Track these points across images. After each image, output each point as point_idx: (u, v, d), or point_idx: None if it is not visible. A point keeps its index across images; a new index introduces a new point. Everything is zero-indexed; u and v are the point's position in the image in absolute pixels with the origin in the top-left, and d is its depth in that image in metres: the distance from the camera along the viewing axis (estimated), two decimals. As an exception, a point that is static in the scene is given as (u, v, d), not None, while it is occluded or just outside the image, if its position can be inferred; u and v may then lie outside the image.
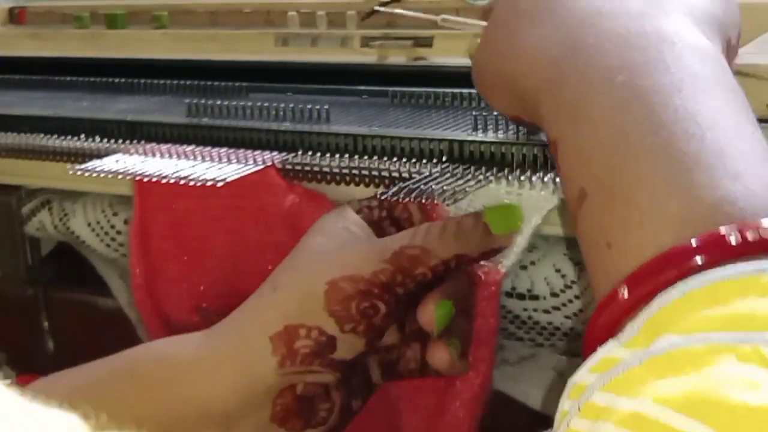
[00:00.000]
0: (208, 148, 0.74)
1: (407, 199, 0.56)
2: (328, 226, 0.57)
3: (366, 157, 0.69)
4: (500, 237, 0.56)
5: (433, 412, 0.61)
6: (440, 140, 0.68)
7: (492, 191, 0.61)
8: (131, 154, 0.75)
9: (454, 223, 0.55)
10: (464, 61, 0.88)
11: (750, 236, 0.31)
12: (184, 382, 0.52)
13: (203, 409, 0.51)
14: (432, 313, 0.55)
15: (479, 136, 0.68)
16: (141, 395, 0.53)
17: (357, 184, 0.67)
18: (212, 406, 0.51)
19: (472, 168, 0.64)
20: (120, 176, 0.71)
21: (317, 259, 0.54)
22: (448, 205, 0.60)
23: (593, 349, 0.35)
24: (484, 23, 0.58)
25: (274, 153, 0.71)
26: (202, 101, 0.80)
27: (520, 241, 0.59)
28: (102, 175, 0.71)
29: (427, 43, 0.88)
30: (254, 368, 0.51)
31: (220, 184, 0.67)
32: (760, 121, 0.57)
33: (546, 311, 0.64)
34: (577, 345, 0.65)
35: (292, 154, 0.71)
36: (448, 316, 0.56)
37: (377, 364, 0.56)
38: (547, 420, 0.70)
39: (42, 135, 0.82)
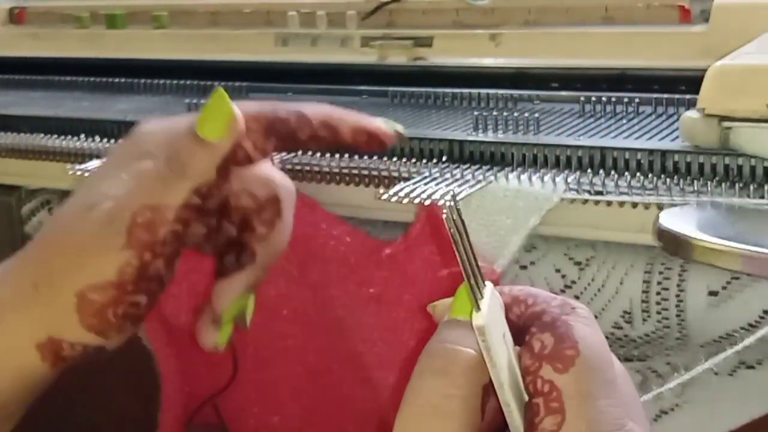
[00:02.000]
0: (208, 148, 0.73)
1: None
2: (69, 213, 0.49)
3: (365, 157, 0.69)
4: (218, 143, 0.48)
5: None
6: (440, 140, 0.68)
7: (492, 191, 0.61)
8: (131, 154, 0.74)
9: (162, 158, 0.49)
10: (464, 61, 0.88)
11: None
12: None
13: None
14: (227, 304, 0.53)
15: (479, 136, 0.68)
16: None
17: (357, 184, 0.67)
18: None
19: (472, 168, 0.64)
20: (120, 176, 0.71)
21: (63, 262, 0.47)
22: (447, 205, 0.60)
23: None
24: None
25: (274, 153, 0.71)
26: (202, 101, 0.80)
27: (516, 240, 0.59)
28: (102, 175, 0.71)
29: (426, 43, 0.88)
30: (25, 371, 0.46)
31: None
32: (760, 121, 0.57)
33: (546, 311, 0.64)
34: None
35: (292, 154, 0.71)
36: (242, 308, 0.53)
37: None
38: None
39: (42, 135, 0.82)
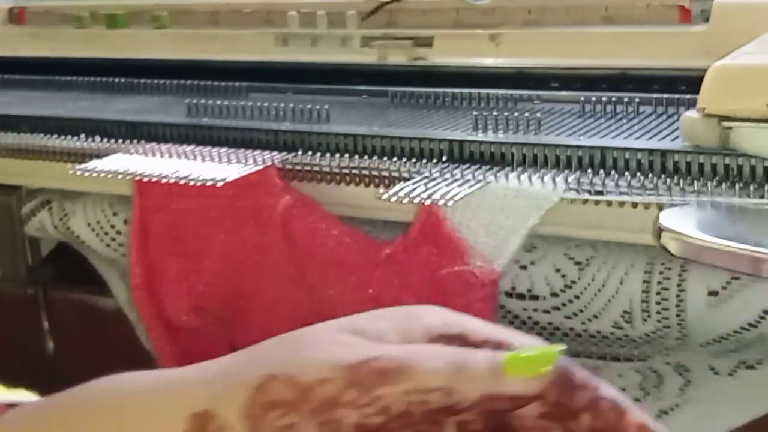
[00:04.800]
0: (208, 148, 0.74)
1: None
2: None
3: (366, 157, 0.69)
4: (513, 380, 0.37)
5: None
6: (440, 140, 0.68)
7: (492, 190, 0.61)
8: (131, 154, 0.75)
9: (460, 353, 0.38)
10: (464, 61, 0.88)
11: None
12: (107, 407, 0.43)
13: None
14: None
15: (479, 136, 0.68)
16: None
17: (357, 184, 0.67)
18: None
19: (472, 168, 0.64)
20: (120, 176, 0.71)
21: (276, 344, 0.41)
22: (447, 205, 0.60)
23: None
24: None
25: (274, 153, 0.71)
26: (202, 101, 0.80)
27: (515, 240, 0.59)
28: (102, 175, 0.71)
29: (427, 43, 0.88)
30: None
31: (220, 184, 0.67)
32: (761, 121, 0.57)
33: (546, 311, 0.64)
34: (577, 345, 0.65)
35: (292, 154, 0.71)
36: None
37: None
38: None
39: (42, 135, 0.82)
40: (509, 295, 0.65)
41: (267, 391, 0.37)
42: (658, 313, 0.60)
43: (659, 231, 0.53)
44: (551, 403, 0.36)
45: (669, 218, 0.53)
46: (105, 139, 0.79)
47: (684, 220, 0.53)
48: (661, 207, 0.58)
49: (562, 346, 0.35)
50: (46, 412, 0.44)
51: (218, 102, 0.80)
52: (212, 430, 0.38)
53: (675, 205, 0.57)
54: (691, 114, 0.60)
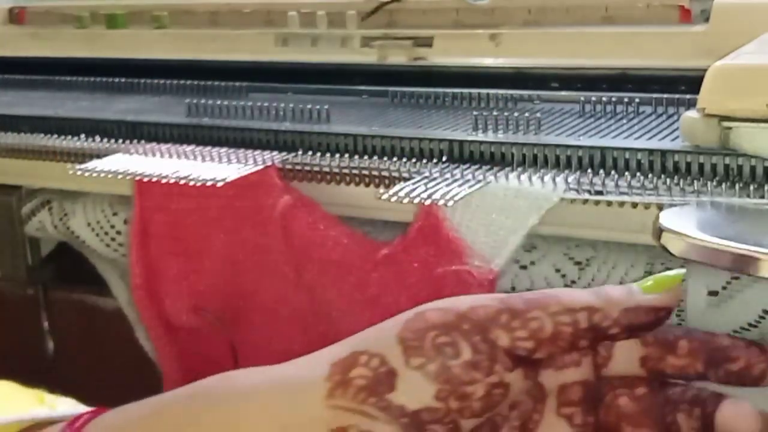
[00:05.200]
0: (208, 148, 0.74)
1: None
2: None
3: (366, 157, 0.69)
4: (649, 295, 0.39)
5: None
6: (440, 140, 0.68)
7: (492, 190, 0.61)
8: (131, 154, 0.75)
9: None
10: (464, 61, 0.88)
11: None
12: (225, 403, 0.43)
13: None
14: None
15: (479, 136, 0.68)
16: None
17: (357, 184, 0.67)
18: None
19: (472, 168, 0.64)
20: (120, 176, 0.71)
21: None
22: (447, 205, 0.60)
23: None
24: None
25: (274, 153, 0.71)
26: (202, 101, 0.80)
27: (513, 240, 0.59)
28: (102, 175, 0.71)
29: (427, 43, 0.88)
30: (303, 392, 0.40)
31: (220, 184, 0.67)
32: (761, 120, 0.57)
33: (546, 311, 0.64)
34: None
35: (292, 154, 0.71)
36: None
37: None
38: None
39: (42, 135, 0.82)
40: (509, 295, 0.65)
41: (422, 317, 0.39)
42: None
43: (659, 231, 0.52)
44: (651, 342, 0.39)
45: (669, 218, 0.53)
46: (105, 139, 0.79)
47: (684, 220, 0.53)
48: (661, 207, 0.58)
49: (683, 270, 0.39)
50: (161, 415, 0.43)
51: (218, 102, 0.80)
52: (362, 363, 0.39)
53: (675, 205, 0.57)
54: (691, 114, 0.60)
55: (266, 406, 0.40)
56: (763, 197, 0.56)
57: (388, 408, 0.38)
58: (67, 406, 0.45)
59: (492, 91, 0.79)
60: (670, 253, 0.51)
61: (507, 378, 0.37)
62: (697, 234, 0.50)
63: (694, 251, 0.49)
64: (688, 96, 0.71)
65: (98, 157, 0.75)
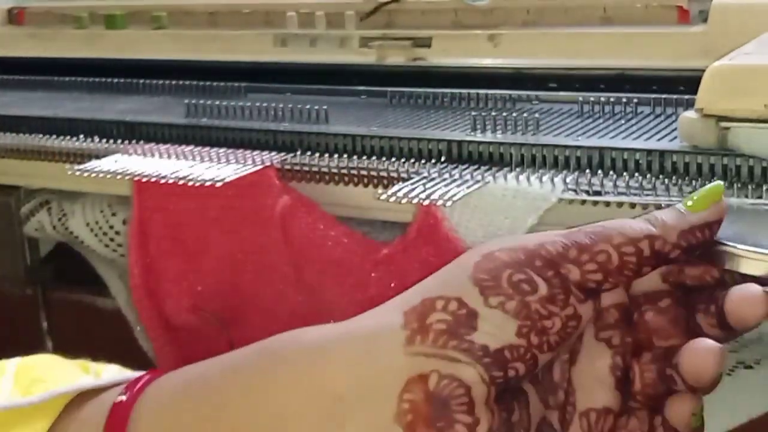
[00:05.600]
0: (207, 149, 0.74)
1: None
2: None
3: (365, 158, 0.69)
4: (699, 213, 0.41)
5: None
6: (439, 140, 0.68)
7: (490, 191, 0.61)
8: (130, 155, 0.75)
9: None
10: (463, 62, 0.88)
11: None
12: (297, 358, 0.42)
13: (312, 388, 0.40)
14: (687, 418, 0.41)
15: (478, 137, 0.68)
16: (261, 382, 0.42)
17: (356, 185, 0.67)
18: (324, 384, 0.40)
19: (471, 168, 0.65)
20: (119, 176, 0.71)
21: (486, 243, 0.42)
22: (446, 205, 0.60)
23: None
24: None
25: (273, 153, 0.71)
26: (201, 101, 0.80)
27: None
28: (101, 175, 0.71)
29: (425, 43, 0.88)
30: (379, 341, 0.40)
31: (219, 184, 0.67)
32: (759, 121, 0.57)
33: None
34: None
35: (291, 155, 0.71)
36: (702, 418, 0.42)
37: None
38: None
39: (41, 135, 0.82)
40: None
41: (492, 257, 0.39)
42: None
43: None
44: (683, 247, 0.40)
45: None
46: (104, 140, 0.79)
47: None
48: (659, 207, 0.58)
49: (720, 183, 0.40)
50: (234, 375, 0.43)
51: (217, 102, 0.80)
52: (440, 308, 0.39)
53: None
54: (690, 114, 0.60)
55: (341, 358, 0.40)
56: (761, 197, 0.56)
57: (470, 350, 0.38)
58: (112, 372, 0.45)
59: (490, 92, 0.79)
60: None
61: (580, 310, 0.38)
62: None
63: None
64: (686, 96, 0.71)
65: (97, 157, 0.75)
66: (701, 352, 0.38)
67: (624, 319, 0.40)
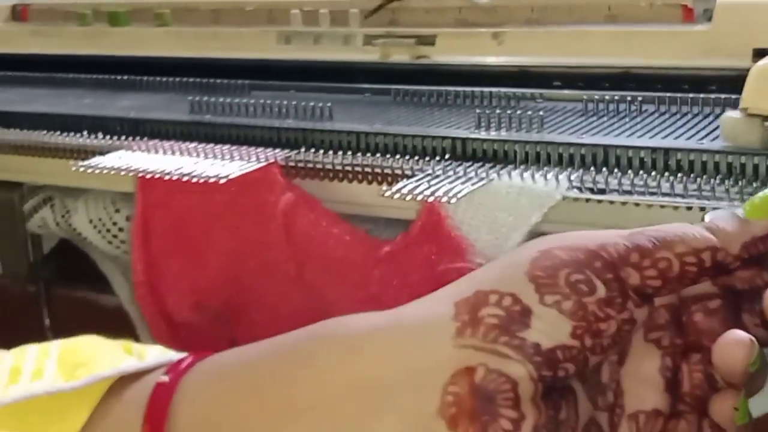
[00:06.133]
0: (211, 145, 0.74)
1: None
2: None
3: (369, 155, 0.69)
4: (759, 222, 0.40)
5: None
6: (443, 138, 0.68)
7: (495, 188, 0.61)
8: (134, 151, 0.75)
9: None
10: (467, 60, 0.88)
11: None
12: (341, 343, 0.41)
13: (354, 374, 0.40)
14: (730, 414, 0.41)
15: (482, 134, 0.68)
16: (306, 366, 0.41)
17: (360, 182, 0.67)
18: (365, 373, 0.40)
19: (475, 165, 0.64)
20: (122, 173, 0.71)
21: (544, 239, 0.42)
22: (450, 202, 0.60)
23: None
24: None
25: (277, 150, 0.71)
26: (205, 98, 0.80)
27: (516, 237, 0.59)
28: (104, 171, 0.71)
29: (429, 41, 0.88)
30: (428, 331, 0.39)
31: (222, 181, 0.67)
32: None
33: (548, 309, 0.64)
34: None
35: (295, 151, 0.71)
36: (747, 414, 0.41)
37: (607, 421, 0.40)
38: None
39: (44, 132, 0.82)
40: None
41: (550, 255, 0.38)
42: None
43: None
44: (745, 258, 0.39)
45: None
46: (107, 136, 0.79)
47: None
48: (662, 204, 0.58)
49: None
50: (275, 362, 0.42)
51: (221, 99, 0.80)
52: (493, 303, 0.38)
53: (716, 208, 0.56)
54: (733, 114, 0.59)
55: (388, 345, 0.39)
56: None
57: (522, 347, 0.37)
58: (155, 354, 0.44)
59: (495, 90, 0.79)
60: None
61: (636, 314, 0.38)
62: None
63: None
64: (690, 94, 0.71)
65: (101, 153, 0.75)
66: (730, 344, 0.38)
67: (674, 320, 0.40)
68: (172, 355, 0.43)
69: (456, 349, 0.38)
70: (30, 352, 0.45)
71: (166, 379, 0.40)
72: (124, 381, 0.42)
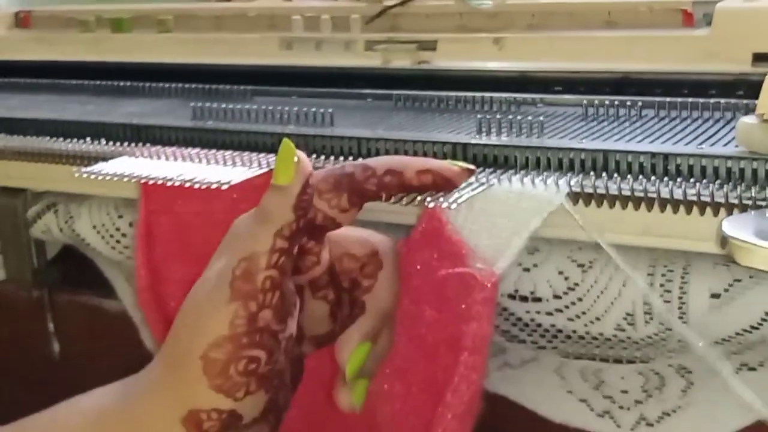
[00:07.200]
0: (213, 151, 0.74)
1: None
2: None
3: (369, 160, 0.69)
4: (289, 186, 0.53)
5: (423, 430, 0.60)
6: (444, 143, 0.68)
7: (494, 193, 0.61)
8: (136, 157, 0.75)
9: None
10: (468, 65, 0.88)
11: None
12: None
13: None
14: (347, 356, 0.55)
15: (483, 139, 0.68)
16: None
17: (361, 187, 0.67)
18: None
19: (476, 170, 0.65)
20: (125, 179, 0.71)
21: (186, 333, 0.51)
22: (450, 207, 0.60)
23: None
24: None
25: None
26: (207, 104, 0.81)
27: (516, 242, 0.59)
28: (107, 178, 0.72)
29: (430, 46, 0.89)
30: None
31: (225, 187, 0.67)
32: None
33: (549, 313, 0.65)
34: (580, 347, 0.66)
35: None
36: (363, 359, 0.56)
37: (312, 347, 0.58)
38: (549, 423, 0.71)
39: (47, 138, 0.82)
40: (512, 297, 0.65)
41: (211, 363, 0.49)
42: (661, 315, 0.61)
43: (723, 240, 0.51)
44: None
45: (732, 227, 0.52)
46: (110, 142, 0.79)
47: (746, 229, 0.52)
48: (663, 210, 0.58)
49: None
50: None
51: (223, 105, 0.80)
52: (206, 419, 0.48)
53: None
54: (749, 119, 0.59)
55: None
56: None
57: (246, 427, 0.51)
58: None
59: (495, 95, 0.80)
60: (736, 263, 0.50)
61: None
62: (763, 243, 0.49)
63: (764, 261, 0.48)
64: (690, 99, 0.72)
65: (104, 160, 0.75)
66: (339, 343, 0.58)
67: (331, 280, 0.57)
68: None
69: None
70: None
71: None
72: None
